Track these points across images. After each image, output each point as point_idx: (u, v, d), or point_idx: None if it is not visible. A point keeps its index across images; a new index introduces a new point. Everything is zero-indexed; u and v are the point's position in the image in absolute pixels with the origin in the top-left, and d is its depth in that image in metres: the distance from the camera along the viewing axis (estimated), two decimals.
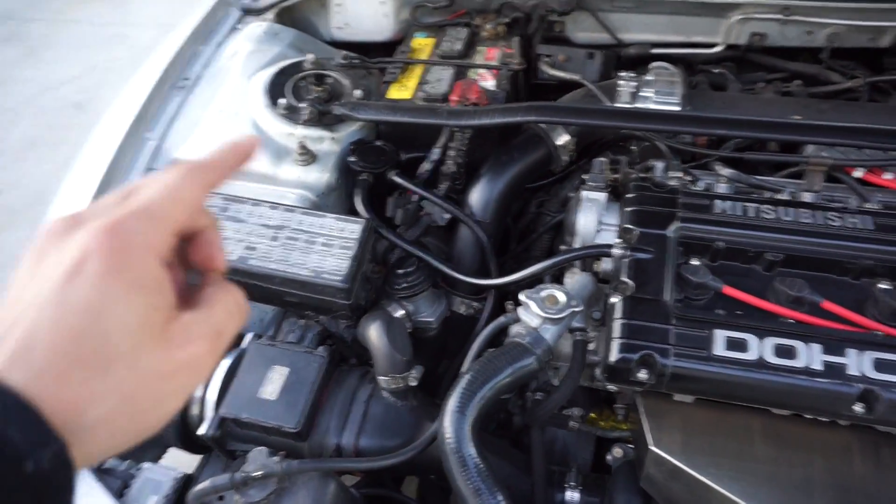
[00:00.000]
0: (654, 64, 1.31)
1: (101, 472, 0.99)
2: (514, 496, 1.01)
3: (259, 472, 0.88)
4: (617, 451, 1.03)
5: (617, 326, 0.90)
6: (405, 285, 1.09)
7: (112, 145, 1.21)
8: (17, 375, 0.32)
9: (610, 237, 1.04)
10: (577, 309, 0.94)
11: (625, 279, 0.94)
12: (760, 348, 0.85)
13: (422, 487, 1.16)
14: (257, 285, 1.06)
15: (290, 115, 1.23)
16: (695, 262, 0.97)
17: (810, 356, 0.83)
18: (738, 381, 0.84)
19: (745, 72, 1.39)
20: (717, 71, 1.35)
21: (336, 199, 1.23)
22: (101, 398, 0.35)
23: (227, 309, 0.42)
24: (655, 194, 1.03)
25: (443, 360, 1.23)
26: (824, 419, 0.88)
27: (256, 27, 1.45)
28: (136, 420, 0.37)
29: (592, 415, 1.14)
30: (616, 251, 0.96)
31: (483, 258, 1.18)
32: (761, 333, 0.86)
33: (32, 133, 3.52)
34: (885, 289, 0.88)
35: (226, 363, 1.06)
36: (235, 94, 1.29)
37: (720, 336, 0.86)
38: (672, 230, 0.98)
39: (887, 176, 1.08)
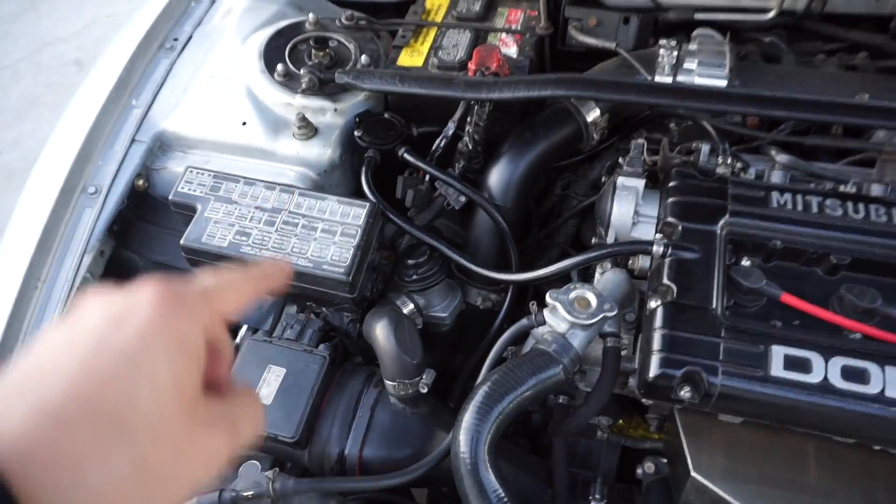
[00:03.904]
0: (698, 31, 1.17)
1: None
2: None
3: (249, 493, 0.78)
4: (648, 466, 0.93)
5: (657, 337, 0.79)
6: (416, 277, 0.98)
7: (91, 114, 1.09)
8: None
9: (648, 231, 0.92)
10: (610, 314, 0.83)
11: (666, 282, 0.82)
12: (826, 369, 0.74)
13: (431, 494, 1.06)
14: None
15: (289, 82, 1.10)
16: (746, 263, 0.85)
17: (885, 380, 0.72)
18: (799, 407, 0.73)
19: (798, 41, 1.24)
20: (768, 40, 1.20)
21: (339, 178, 1.11)
22: (112, 460, 0.31)
23: (248, 412, 0.40)
24: (701, 183, 0.90)
25: (457, 357, 1.12)
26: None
27: None
28: (146, 495, 0.32)
29: (620, 422, 1.04)
30: (656, 248, 0.84)
31: (503, 246, 1.06)
32: (826, 351, 0.75)
33: (32, 92, 3.39)
34: None
35: None
36: (228, 57, 1.16)
37: (778, 353, 0.75)
38: (721, 226, 0.86)
39: None
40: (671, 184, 0.91)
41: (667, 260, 0.84)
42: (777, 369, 0.74)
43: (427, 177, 1.08)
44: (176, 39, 1.23)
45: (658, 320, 0.80)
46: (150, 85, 1.16)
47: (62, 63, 3.52)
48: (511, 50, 1.16)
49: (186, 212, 1.00)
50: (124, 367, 0.32)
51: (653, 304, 0.83)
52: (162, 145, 1.12)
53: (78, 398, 0.31)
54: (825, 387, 0.73)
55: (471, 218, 1.09)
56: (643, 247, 0.85)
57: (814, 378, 0.73)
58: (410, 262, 0.98)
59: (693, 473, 0.78)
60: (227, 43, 1.18)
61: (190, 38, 1.24)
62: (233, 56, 1.16)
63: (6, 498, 0.27)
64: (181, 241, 0.95)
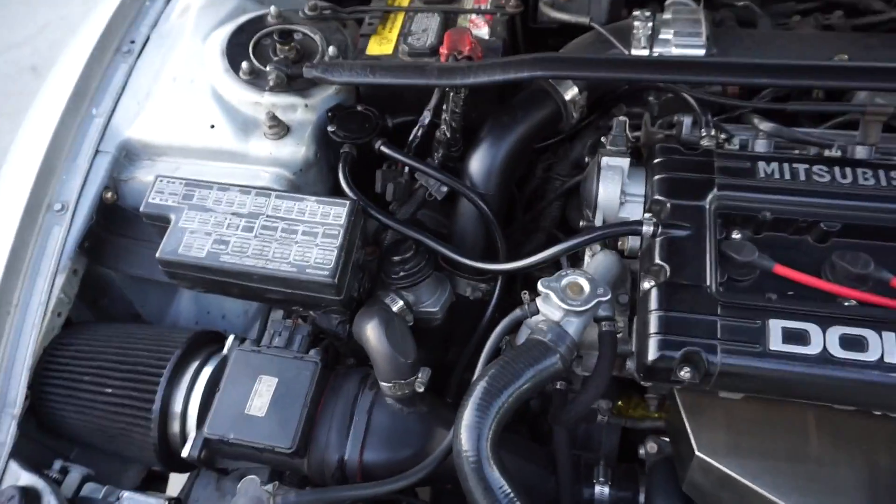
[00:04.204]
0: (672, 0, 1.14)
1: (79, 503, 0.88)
2: (538, 496, 0.92)
3: None
4: (651, 446, 0.93)
5: (654, 319, 0.77)
6: (403, 274, 0.96)
7: (50, 126, 1.04)
8: None
9: (636, 210, 0.91)
10: (603, 298, 0.81)
11: (658, 262, 0.81)
12: (824, 340, 0.73)
13: (435, 491, 1.05)
14: (234, 283, 0.92)
15: (255, 80, 1.06)
16: (737, 236, 0.84)
17: (883, 347, 0.72)
18: (800, 379, 0.73)
19: (772, 2, 1.22)
20: (741, 4, 1.18)
21: (316, 176, 1.08)
22: None
23: None
24: (687, 158, 0.88)
25: (450, 349, 1.11)
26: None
27: None
28: None
29: (619, 403, 1.03)
30: (646, 229, 0.83)
31: (488, 234, 1.04)
32: (823, 321, 0.74)
33: None
34: None
35: (207, 372, 0.93)
36: (189, 58, 1.11)
37: (776, 327, 0.74)
38: (709, 200, 0.85)
39: None
40: (656, 160, 0.89)
41: (657, 239, 0.83)
42: (776, 343, 0.73)
43: (406, 168, 1.05)
44: (133, 42, 1.17)
45: (653, 302, 0.79)
46: (110, 91, 1.11)
47: (17, 70, 3.40)
48: (482, 31, 1.12)
49: (160, 223, 0.96)
50: None
51: (646, 285, 0.81)
52: (128, 154, 1.08)
53: None
54: (825, 357, 0.72)
55: (454, 207, 1.07)
56: (633, 227, 0.84)
57: (813, 349, 0.73)
58: (396, 258, 0.96)
59: (697, 453, 0.78)
60: (187, 42, 1.13)
61: (147, 39, 1.18)
62: (194, 56, 1.11)
63: None
64: (157, 255, 0.91)
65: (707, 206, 0.84)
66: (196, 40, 1.13)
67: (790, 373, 0.73)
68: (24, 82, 3.37)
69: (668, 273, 0.80)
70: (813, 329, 0.74)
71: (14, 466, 0.88)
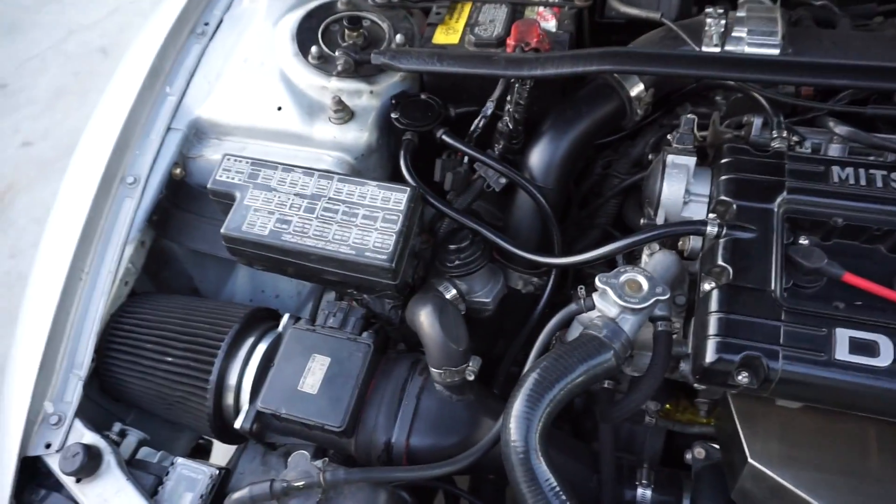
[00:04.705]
0: None
1: (134, 466, 0.92)
2: (580, 493, 0.92)
3: (301, 483, 0.78)
4: (699, 452, 0.92)
5: (713, 321, 0.76)
6: (458, 263, 0.97)
7: (126, 102, 1.08)
8: None
9: (699, 210, 0.89)
10: (662, 297, 0.80)
11: (721, 263, 0.79)
12: (894, 352, 0.70)
13: (473, 480, 1.06)
14: (293, 262, 0.95)
15: (323, 65, 1.08)
16: (804, 241, 0.82)
17: None
18: (865, 392, 0.71)
19: (848, 3, 1.18)
20: (819, 3, 1.14)
21: (377, 162, 1.09)
22: None
23: None
24: (756, 159, 0.86)
25: (499, 341, 1.11)
26: None
27: None
28: None
29: (668, 406, 1.02)
30: (710, 229, 0.81)
31: (544, 228, 1.04)
32: (894, 333, 0.71)
33: (60, 81, 3.41)
34: None
35: (262, 348, 0.96)
36: (260, 41, 1.14)
37: (843, 336, 0.72)
38: (778, 203, 0.82)
39: None
40: (723, 160, 0.87)
41: (721, 241, 0.81)
42: (842, 353, 0.71)
43: (466, 158, 1.05)
44: (206, 24, 1.21)
45: (713, 303, 0.78)
46: (183, 72, 1.15)
47: (87, 51, 3.53)
48: (550, 24, 1.12)
49: (225, 200, 0.99)
50: None
51: (706, 286, 0.80)
52: (197, 133, 1.11)
53: None
54: (894, 371, 0.70)
55: (511, 200, 1.07)
56: (696, 227, 0.82)
57: (882, 361, 0.70)
58: (452, 247, 0.97)
59: (750, 460, 0.76)
60: (258, 26, 1.16)
61: (220, 22, 1.22)
62: (265, 39, 1.14)
63: None
64: (222, 230, 0.94)
65: (775, 210, 0.82)
66: (267, 24, 1.16)
67: (856, 384, 0.71)
68: (93, 63, 3.51)
69: (731, 275, 0.78)
70: (883, 341, 0.71)
71: (79, 425, 0.92)
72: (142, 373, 0.94)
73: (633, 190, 1.12)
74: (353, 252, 0.90)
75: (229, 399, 0.93)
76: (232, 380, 0.93)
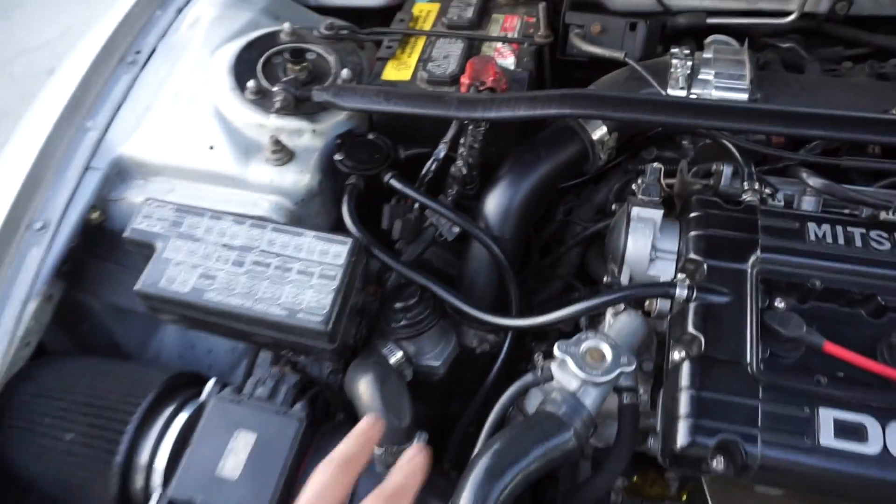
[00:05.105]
0: (713, 38, 1.07)
1: None
2: None
3: None
4: None
5: (685, 400, 0.68)
6: (405, 323, 0.87)
7: (39, 138, 0.97)
8: None
9: (667, 268, 0.81)
10: (627, 368, 0.72)
11: (692, 331, 0.72)
12: (884, 437, 0.63)
13: None
14: (218, 323, 0.84)
15: (261, 101, 0.99)
16: (780, 304, 0.75)
17: None
18: (853, 481, 0.63)
19: (817, 46, 1.14)
20: (786, 46, 1.10)
21: (319, 207, 1.00)
22: None
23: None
24: (728, 213, 0.79)
25: (451, 404, 1.01)
26: None
27: None
28: None
29: (635, 478, 0.93)
30: (680, 291, 0.74)
31: (501, 280, 0.96)
32: (883, 414, 0.64)
33: (4, 103, 3.25)
34: None
35: (181, 421, 0.84)
36: (195, 72, 1.04)
37: (827, 418, 0.65)
38: (751, 263, 0.75)
39: None
40: (692, 214, 0.80)
41: (692, 304, 0.73)
42: (827, 437, 0.64)
43: (417, 205, 0.96)
44: (139, 52, 1.11)
45: (684, 378, 0.70)
46: (109, 104, 1.04)
47: (36, 72, 3.38)
48: (508, 61, 1.05)
49: (144, 250, 0.88)
50: None
51: (676, 356, 0.72)
52: (120, 172, 1.00)
53: None
54: (885, 459, 0.62)
55: (465, 249, 0.98)
56: (664, 290, 0.74)
57: (871, 448, 0.63)
58: (398, 305, 0.87)
59: None
60: (194, 56, 1.06)
61: (154, 50, 1.12)
62: (200, 71, 1.04)
63: None
64: (136, 287, 0.83)
65: (749, 270, 0.75)
66: (203, 54, 1.06)
67: (842, 473, 0.63)
68: (40, 85, 3.37)
69: (703, 345, 0.71)
70: (870, 423, 0.64)
71: None
72: (37, 453, 0.82)
73: (597, 238, 1.04)
74: (285, 313, 0.80)
75: (139, 482, 0.81)
76: (143, 459, 0.81)
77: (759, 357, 0.70)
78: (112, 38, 1.08)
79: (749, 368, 0.69)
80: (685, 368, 0.70)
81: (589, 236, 1.04)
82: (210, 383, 0.87)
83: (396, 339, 0.88)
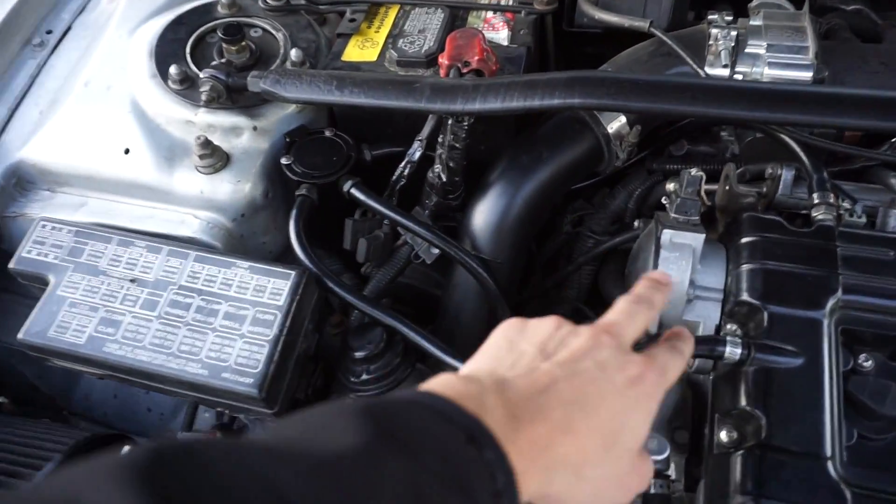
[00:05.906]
0: (760, 0, 0.85)
1: None
2: None
3: None
4: None
5: None
6: (367, 378, 0.68)
7: None
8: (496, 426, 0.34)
9: (710, 311, 0.61)
10: (658, 458, 0.52)
11: (749, 408, 0.52)
12: None
13: None
14: (126, 379, 0.66)
15: (189, 91, 0.78)
16: (867, 362, 0.55)
17: None
18: None
19: (888, 7, 0.92)
20: (852, 8, 0.88)
21: (268, 223, 0.80)
22: (583, 484, 0.39)
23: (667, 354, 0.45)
24: (794, 239, 0.59)
25: None
26: None
27: None
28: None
29: None
30: (731, 351, 0.54)
31: (493, 312, 0.76)
32: None
33: None
34: None
35: None
36: (109, 57, 0.84)
37: None
38: (829, 309, 0.55)
39: None
40: (745, 239, 0.60)
41: (749, 370, 0.54)
42: None
43: (386, 219, 0.77)
44: (49, 32, 0.91)
45: (737, 475, 0.50)
46: (7, 97, 0.85)
47: None
48: (500, 35, 0.84)
49: (35, 284, 0.70)
50: (629, 417, 0.41)
51: (725, 437, 0.52)
52: (19, 182, 0.81)
53: (575, 424, 0.38)
54: None
55: (450, 272, 0.79)
56: (709, 347, 0.54)
57: None
58: (359, 354, 0.68)
59: None
60: (110, 36, 0.86)
61: (69, 29, 0.92)
62: (116, 55, 0.84)
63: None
64: (19, 336, 0.65)
65: (825, 320, 0.55)
66: (121, 33, 0.86)
67: None
68: None
69: (765, 428, 0.51)
70: None
71: None
72: None
73: (612, 255, 0.84)
74: (205, 372, 0.62)
75: None
76: None
77: (843, 444, 0.50)
78: (13, 15, 0.88)
79: (831, 464, 0.49)
80: (739, 462, 0.51)
81: (603, 252, 0.83)
82: (125, 449, 0.69)
83: (358, 398, 0.69)
